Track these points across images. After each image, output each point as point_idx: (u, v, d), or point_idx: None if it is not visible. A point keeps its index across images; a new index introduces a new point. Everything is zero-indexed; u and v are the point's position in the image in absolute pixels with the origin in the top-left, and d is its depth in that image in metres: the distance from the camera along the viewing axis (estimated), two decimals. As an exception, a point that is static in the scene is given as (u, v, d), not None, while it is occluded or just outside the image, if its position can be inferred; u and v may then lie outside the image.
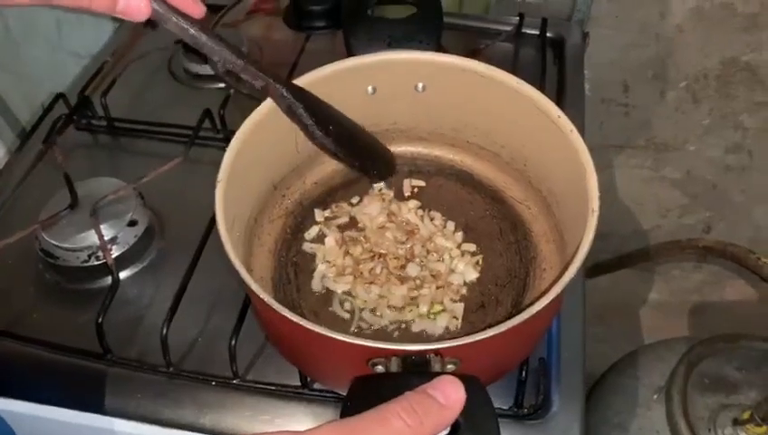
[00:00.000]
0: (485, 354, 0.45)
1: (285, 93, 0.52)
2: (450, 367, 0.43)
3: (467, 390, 0.35)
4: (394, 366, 0.42)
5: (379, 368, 0.43)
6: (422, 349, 0.42)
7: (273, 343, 0.57)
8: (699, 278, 1.35)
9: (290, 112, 0.53)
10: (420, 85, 0.61)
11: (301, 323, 0.43)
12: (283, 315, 0.43)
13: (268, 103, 0.55)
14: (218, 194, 0.50)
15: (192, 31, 0.46)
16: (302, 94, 0.53)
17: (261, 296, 0.45)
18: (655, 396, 0.97)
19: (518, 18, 0.88)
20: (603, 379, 1.06)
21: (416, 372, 0.42)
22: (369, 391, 0.41)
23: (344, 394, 0.42)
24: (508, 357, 0.51)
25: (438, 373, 0.39)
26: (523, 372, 0.52)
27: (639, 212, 1.26)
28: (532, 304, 0.44)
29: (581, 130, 0.53)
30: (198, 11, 0.46)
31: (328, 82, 0.57)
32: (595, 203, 0.48)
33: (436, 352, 0.42)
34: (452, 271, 0.59)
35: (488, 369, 0.48)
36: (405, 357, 0.42)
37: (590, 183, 0.49)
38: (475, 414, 0.37)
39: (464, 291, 0.58)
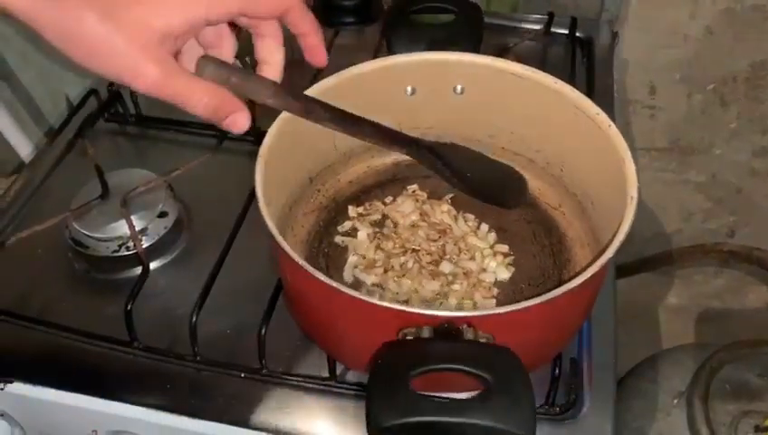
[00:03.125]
0: (520, 331, 0.45)
1: (427, 154, 0.58)
2: (482, 341, 0.42)
3: (499, 356, 0.35)
4: (425, 334, 0.42)
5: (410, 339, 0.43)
6: (455, 315, 0.42)
7: (300, 320, 0.57)
8: (721, 283, 1.34)
9: (433, 168, 0.60)
10: (459, 87, 0.61)
11: (333, 284, 0.43)
12: (314, 278, 0.43)
13: None
14: (258, 169, 0.51)
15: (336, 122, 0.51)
16: (438, 151, 0.59)
17: (294, 259, 0.45)
18: (675, 401, 0.96)
19: (547, 17, 0.87)
20: (622, 382, 1.05)
21: (446, 338, 0.42)
22: (398, 352, 0.41)
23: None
24: (542, 341, 0.50)
25: (469, 342, 0.39)
26: (557, 370, 0.52)
27: (662, 215, 1.25)
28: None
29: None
30: (321, 59, 0.50)
31: (368, 80, 0.57)
32: (634, 190, 0.48)
33: (470, 322, 0.42)
34: (483, 270, 0.58)
35: (521, 351, 0.48)
36: (437, 327, 0.42)
37: (629, 171, 0.50)
38: (508, 378, 0.38)
39: (495, 290, 0.57)
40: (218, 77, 0.45)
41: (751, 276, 1.30)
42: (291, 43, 0.87)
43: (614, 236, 0.47)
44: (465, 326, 0.42)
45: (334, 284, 0.43)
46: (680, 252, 1.24)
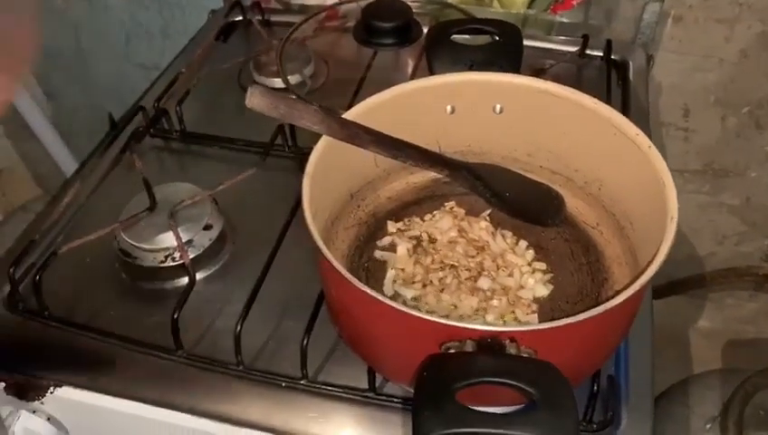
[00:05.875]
0: (562, 347, 0.46)
1: (467, 176, 0.63)
2: (525, 356, 0.43)
3: (543, 371, 0.35)
4: (468, 348, 0.43)
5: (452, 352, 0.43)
6: (499, 330, 0.43)
7: (343, 332, 0.58)
8: (754, 307, 1.32)
9: (472, 189, 0.64)
10: (498, 107, 0.62)
11: (378, 296, 0.44)
12: (359, 289, 0.44)
13: (350, 115, 0.57)
14: (305, 186, 0.52)
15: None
16: (477, 172, 0.63)
17: (340, 271, 0.46)
18: (707, 426, 0.96)
19: (582, 39, 0.88)
20: (654, 406, 1.04)
21: (489, 352, 0.42)
22: (444, 365, 0.42)
23: (411, 393, 0.42)
24: (581, 358, 0.51)
25: (513, 356, 0.40)
26: (595, 386, 0.52)
27: (695, 238, 1.24)
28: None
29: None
30: None
31: (410, 98, 0.59)
32: (674, 211, 0.49)
33: (512, 337, 0.43)
34: (522, 286, 0.59)
35: (561, 367, 0.48)
36: (480, 340, 0.43)
37: (669, 192, 0.50)
38: (552, 392, 0.39)
39: (534, 307, 0.58)
40: (266, 105, 0.47)
41: (786, 301, 1.28)
42: (329, 62, 0.90)
43: (654, 256, 0.47)
44: (508, 341, 0.42)
45: (380, 296, 0.44)
46: (713, 275, 1.23)
